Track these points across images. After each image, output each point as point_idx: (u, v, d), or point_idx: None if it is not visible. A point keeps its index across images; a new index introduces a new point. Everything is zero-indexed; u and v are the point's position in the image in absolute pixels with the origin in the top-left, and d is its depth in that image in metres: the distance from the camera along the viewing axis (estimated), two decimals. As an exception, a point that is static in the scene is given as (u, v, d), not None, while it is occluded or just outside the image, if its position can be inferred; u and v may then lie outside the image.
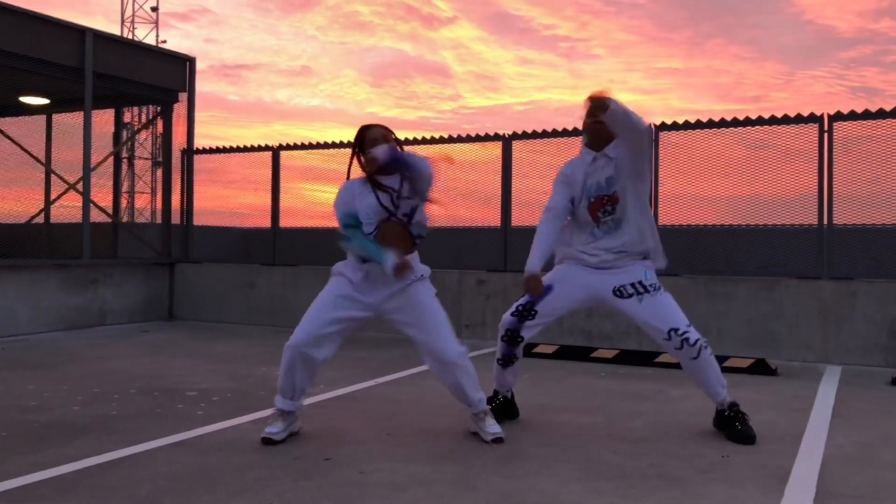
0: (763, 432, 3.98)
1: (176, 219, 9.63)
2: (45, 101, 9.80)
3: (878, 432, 4.08)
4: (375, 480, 3.19)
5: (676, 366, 6.10)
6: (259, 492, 3.03)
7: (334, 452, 3.58)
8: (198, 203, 9.61)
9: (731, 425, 3.91)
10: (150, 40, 31.50)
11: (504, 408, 4.31)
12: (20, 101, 9.84)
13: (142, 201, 25.20)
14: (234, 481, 3.15)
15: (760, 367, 5.95)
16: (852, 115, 6.42)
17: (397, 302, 3.77)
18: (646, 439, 3.88)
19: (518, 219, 7.74)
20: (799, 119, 6.60)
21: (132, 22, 33.85)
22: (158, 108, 9.87)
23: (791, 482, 3.20)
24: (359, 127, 3.87)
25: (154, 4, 33.70)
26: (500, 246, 7.76)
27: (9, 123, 10.47)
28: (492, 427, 3.79)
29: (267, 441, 3.68)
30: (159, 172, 10.46)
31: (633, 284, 3.92)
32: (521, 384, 5.40)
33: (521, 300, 4.05)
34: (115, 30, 27.85)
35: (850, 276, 6.44)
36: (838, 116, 6.46)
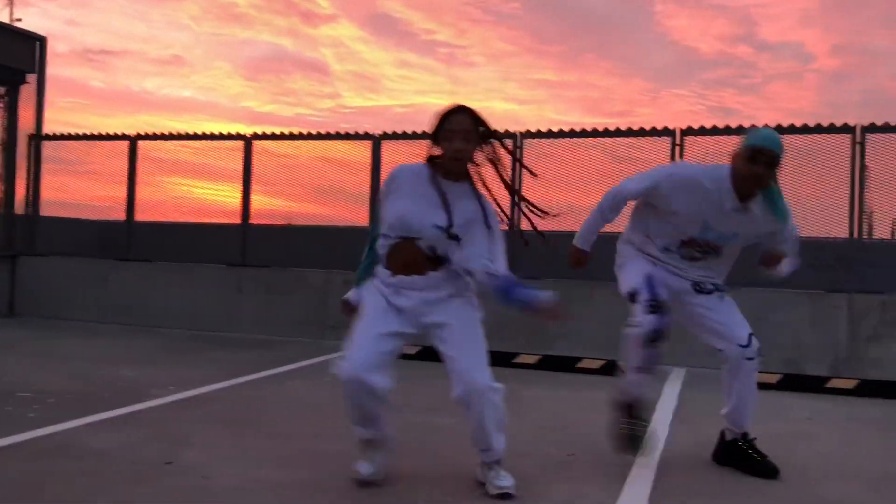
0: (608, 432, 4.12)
1: (20, 209, 8.97)
2: None
3: (716, 433, 4.31)
4: (221, 485, 3.07)
5: (532, 366, 6.27)
6: (89, 500, 2.84)
7: (176, 456, 3.42)
8: (47, 193, 9.01)
9: (749, 457, 3.54)
10: (4, 18, 29.33)
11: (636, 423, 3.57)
12: None
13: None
14: (61, 489, 2.95)
15: (611, 368, 6.18)
16: (702, 131, 6.80)
17: (433, 310, 3.15)
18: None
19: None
20: (654, 132, 6.92)
21: (-18, -4, 31.49)
22: (2, 91, 9.17)
23: (630, 479, 3.32)
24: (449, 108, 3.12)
25: (8, -22, 31.51)
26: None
27: None
28: (502, 480, 3.11)
29: (361, 483, 3.16)
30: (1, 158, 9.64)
31: (712, 282, 3.57)
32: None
33: (644, 296, 3.44)
34: (-39, 3, 25.77)
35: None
36: (689, 131, 6.82)
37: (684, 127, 6.86)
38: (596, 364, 6.29)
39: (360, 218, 7.85)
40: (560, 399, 5.12)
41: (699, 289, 3.55)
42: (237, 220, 8.06)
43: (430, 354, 6.50)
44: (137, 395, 4.67)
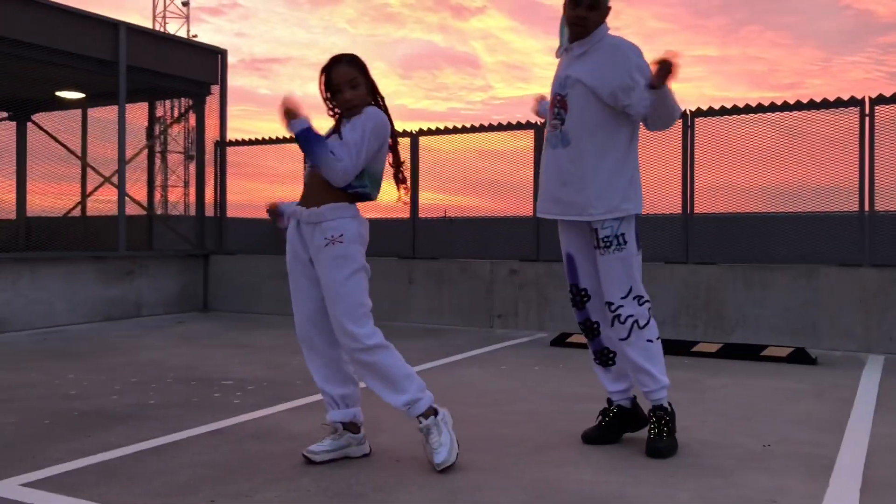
0: (805, 422, 3.90)
1: (209, 211, 9.71)
2: (81, 95, 9.92)
3: (924, 422, 3.98)
4: (411, 468, 3.18)
5: (713, 355, 6.05)
6: (296, 479, 3.03)
7: (371, 440, 3.57)
8: (230, 196, 9.70)
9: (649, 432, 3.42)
10: (182, 35, 31.74)
11: (620, 420, 3.60)
12: (56, 96, 9.97)
13: (175, 194, 25.49)
14: (270, 469, 3.16)
15: (800, 357, 5.84)
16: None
17: (315, 262, 3.22)
18: (682, 429, 3.82)
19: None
20: (839, 103, 6.45)
21: (164, 17, 34.20)
22: (191, 102, 9.94)
23: (836, 471, 3.13)
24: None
25: (185, -1, 34.02)
26: (533, 236, 7.71)
27: (44, 118, 10.62)
28: (437, 455, 3.10)
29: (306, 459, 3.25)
30: (192, 165, 10.57)
31: (593, 231, 3.39)
32: (555, 372, 5.37)
33: (569, 287, 3.58)
34: (147, 25, 28.20)
35: (893, 263, 6.30)
36: (881, 100, 6.31)
37: (874, 95, 6.34)
38: (783, 352, 5.96)
39: (522, 208, 7.87)
40: (744, 387, 4.90)
41: (597, 242, 3.39)
42: (406, 215, 8.32)
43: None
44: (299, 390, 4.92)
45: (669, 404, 3.47)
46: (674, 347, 6.35)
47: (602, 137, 3.32)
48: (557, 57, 3.57)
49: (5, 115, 10.77)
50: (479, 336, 7.27)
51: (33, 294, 7.69)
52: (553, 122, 3.39)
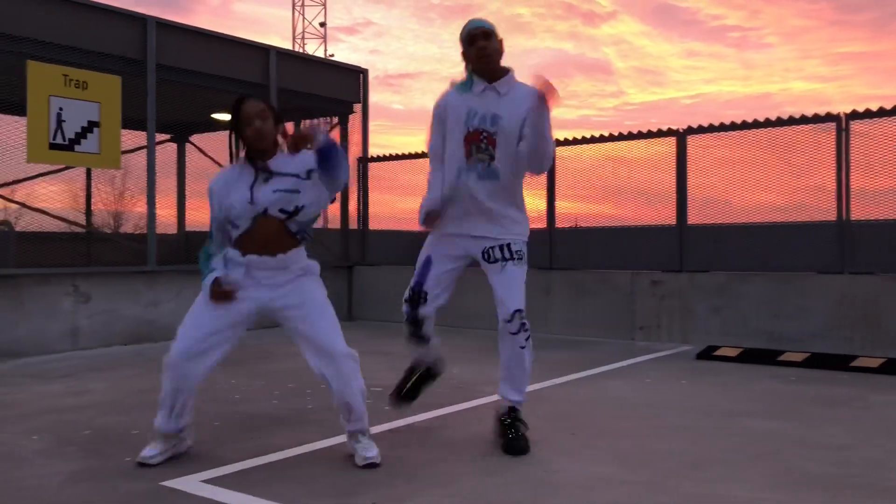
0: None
1: (351, 224, 10.10)
2: (234, 117, 10.55)
3: None
4: (563, 480, 3.20)
5: (875, 370, 5.70)
6: (450, 485, 3.12)
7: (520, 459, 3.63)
8: (370, 208, 10.07)
9: (506, 433, 3.67)
10: (319, 55, 33.14)
11: (425, 378, 4.10)
12: (212, 118, 10.66)
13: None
14: (427, 474, 3.27)
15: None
16: None
17: (284, 297, 3.44)
18: (848, 447, 3.65)
19: (694, 217, 7.50)
20: None
21: (303, 38, 35.76)
22: (334, 120, 10.38)
23: None
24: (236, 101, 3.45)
25: (322, 20, 35.41)
26: (676, 245, 7.54)
27: (200, 139, 11.37)
28: (367, 450, 3.39)
29: (141, 465, 3.40)
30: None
31: (501, 247, 3.65)
32: (703, 386, 5.24)
33: (411, 283, 3.82)
34: (287, 46, 29.57)
35: None
36: None
37: None
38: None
39: (663, 216, 7.72)
40: (914, 406, 4.60)
41: (487, 256, 3.67)
42: (542, 225, 8.34)
43: (750, 356, 6.18)
44: (471, 392, 5.03)
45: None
46: (829, 362, 6.03)
47: (519, 171, 3.69)
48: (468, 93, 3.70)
49: (167, 137, 11.62)
50: (620, 348, 7.18)
51: (195, 303, 8.26)
52: (479, 155, 3.61)
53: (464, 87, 3.69)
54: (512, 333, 3.63)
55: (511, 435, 3.64)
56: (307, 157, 3.39)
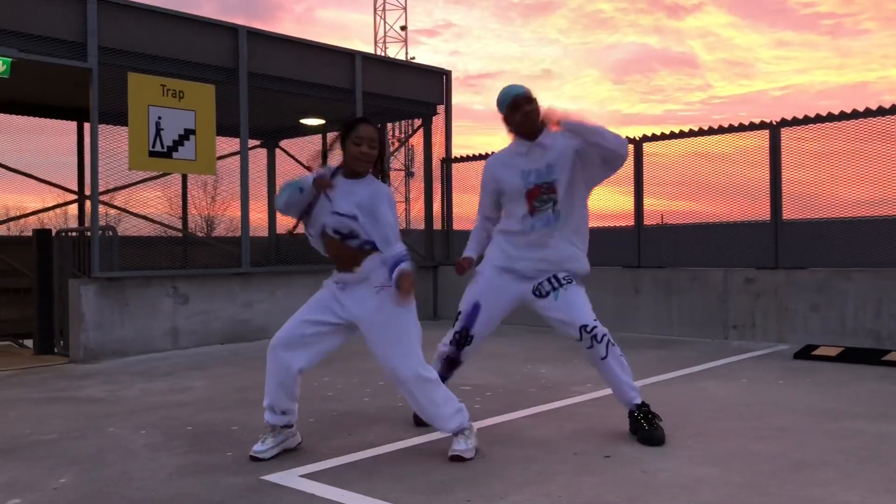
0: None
1: (435, 224, 10.17)
2: (321, 121, 10.79)
3: None
4: (659, 480, 3.15)
5: None
6: (544, 484, 3.11)
7: (614, 450, 3.59)
8: (455, 208, 10.12)
9: (640, 427, 3.74)
10: (401, 58, 33.49)
11: None
12: (300, 123, 10.92)
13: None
14: (519, 473, 3.27)
15: None
16: None
17: (366, 310, 3.55)
18: (965, 452, 3.46)
19: (789, 212, 7.24)
20: None
21: (384, 42, 36.23)
22: (417, 122, 10.47)
23: None
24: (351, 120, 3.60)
25: (403, 23, 35.78)
26: (770, 242, 7.30)
27: (288, 144, 11.66)
28: (456, 443, 3.50)
29: (253, 459, 3.52)
30: (412, 182, 11.17)
31: (549, 279, 3.83)
32: (803, 387, 5.06)
33: (457, 327, 4.01)
34: (369, 50, 30.00)
35: None
36: None
37: None
38: None
39: (758, 212, 7.48)
40: None
41: (538, 293, 3.83)
42: (630, 223, 8.21)
43: (853, 356, 5.94)
44: (561, 392, 5.00)
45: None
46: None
47: (576, 196, 3.90)
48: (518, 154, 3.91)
49: (257, 142, 11.96)
50: (712, 348, 7.00)
51: (288, 304, 8.46)
52: (543, 207, 3.83)
53: None
54: (588, 349, 3.74)
55: (646, 427, 3.71)
56: (374, 191, 3.48)
